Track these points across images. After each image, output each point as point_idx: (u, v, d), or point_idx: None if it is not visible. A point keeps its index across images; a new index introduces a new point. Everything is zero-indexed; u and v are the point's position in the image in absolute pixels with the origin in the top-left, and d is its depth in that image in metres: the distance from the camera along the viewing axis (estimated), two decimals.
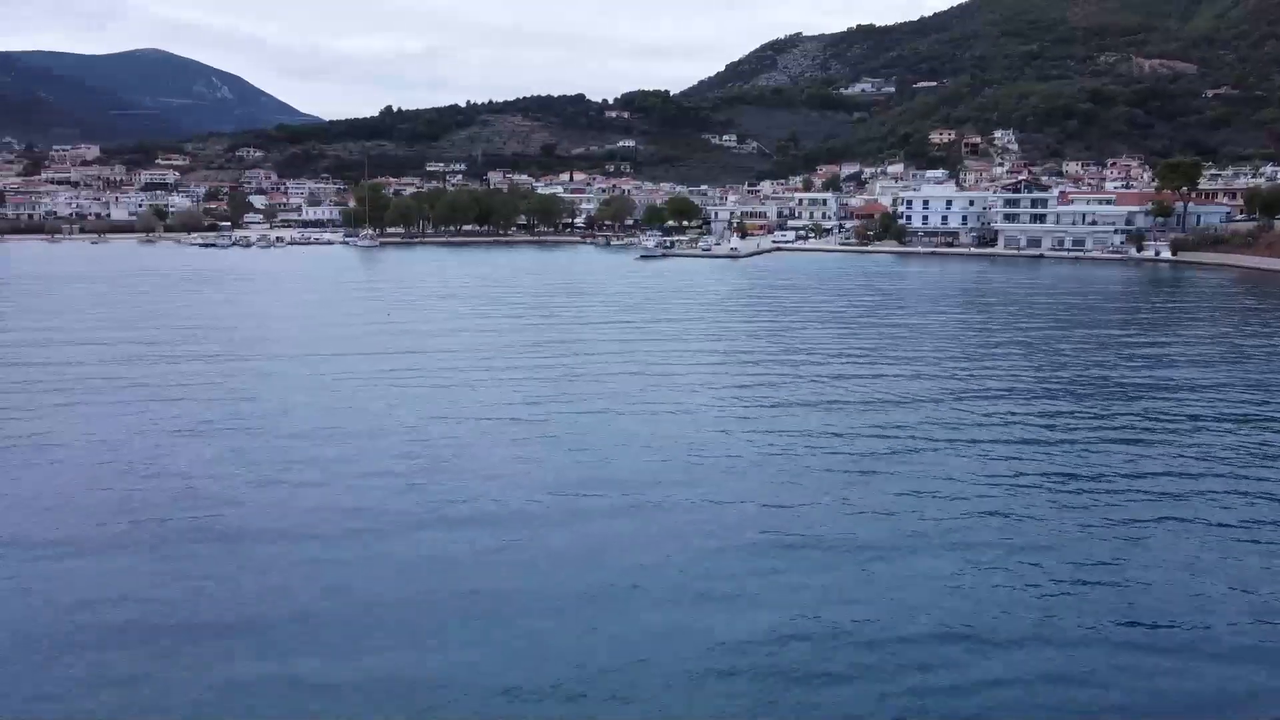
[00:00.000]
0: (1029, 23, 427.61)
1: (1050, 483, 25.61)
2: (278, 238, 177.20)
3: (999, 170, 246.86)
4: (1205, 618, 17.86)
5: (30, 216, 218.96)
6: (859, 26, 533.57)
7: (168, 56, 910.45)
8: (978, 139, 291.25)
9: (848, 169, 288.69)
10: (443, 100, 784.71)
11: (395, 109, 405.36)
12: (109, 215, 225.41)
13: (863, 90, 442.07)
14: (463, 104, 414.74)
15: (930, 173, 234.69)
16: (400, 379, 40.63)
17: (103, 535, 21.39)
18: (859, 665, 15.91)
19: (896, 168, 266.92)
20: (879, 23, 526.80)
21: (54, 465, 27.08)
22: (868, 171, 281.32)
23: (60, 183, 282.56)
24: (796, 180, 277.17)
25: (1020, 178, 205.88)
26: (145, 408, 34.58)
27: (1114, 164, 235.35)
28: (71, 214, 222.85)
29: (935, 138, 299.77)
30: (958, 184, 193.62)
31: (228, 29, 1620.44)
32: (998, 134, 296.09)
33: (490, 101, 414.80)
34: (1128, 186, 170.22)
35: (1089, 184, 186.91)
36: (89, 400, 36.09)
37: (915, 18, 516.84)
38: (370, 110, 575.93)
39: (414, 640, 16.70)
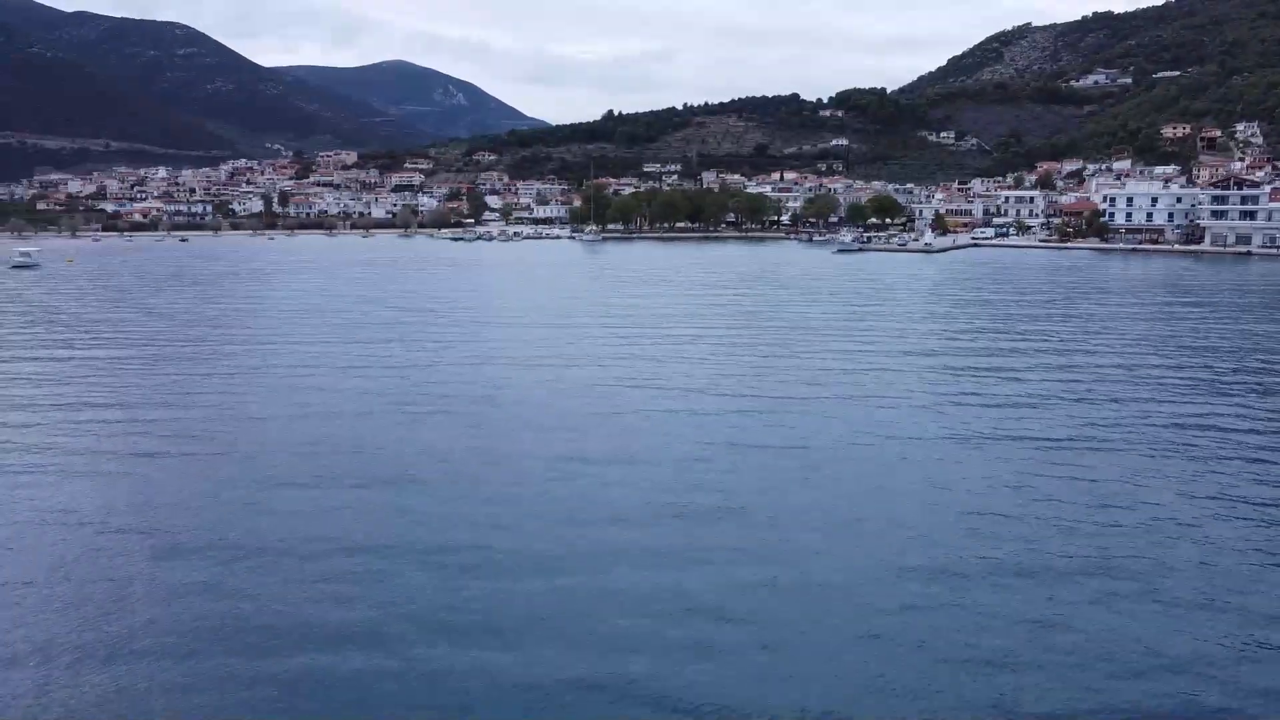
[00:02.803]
0: None
1: None
2: (515, 232, 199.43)
3: (1237, 165, 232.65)
4: None
5: (307, 215, 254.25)
6: (1095, 14, 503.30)
7: (409, 67, 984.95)
8: (1216, 132, 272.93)
9: (1070, 166, 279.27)
10: (660, 103, 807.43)
11: (615, 113, 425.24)
12: (370, 213, 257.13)
13: (1095, 82, 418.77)
14: (679, 106, 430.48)
15: (1159, 169, 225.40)
16: (637, 334, 53.17)
17: (415, 407, 34.84)
18: None
19: (1123, 164, 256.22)
20: (1117, 9, 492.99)
21: (387, 370, 41.65)
22: (1091, 168, 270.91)
23: (325, 185, 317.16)
24: (1019, 177, 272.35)
25: (1260, 172, 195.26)
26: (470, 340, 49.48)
27: None
28: (339, 212, 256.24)
29: (1168, 132, 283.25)
30: (1189, 180, 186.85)
31: (463, 39, 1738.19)
32: (1240, 126, 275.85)
33: (705, 104, 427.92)
34: None
35: None
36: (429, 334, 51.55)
37: (1159, 2, 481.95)
38: (591, 113, 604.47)
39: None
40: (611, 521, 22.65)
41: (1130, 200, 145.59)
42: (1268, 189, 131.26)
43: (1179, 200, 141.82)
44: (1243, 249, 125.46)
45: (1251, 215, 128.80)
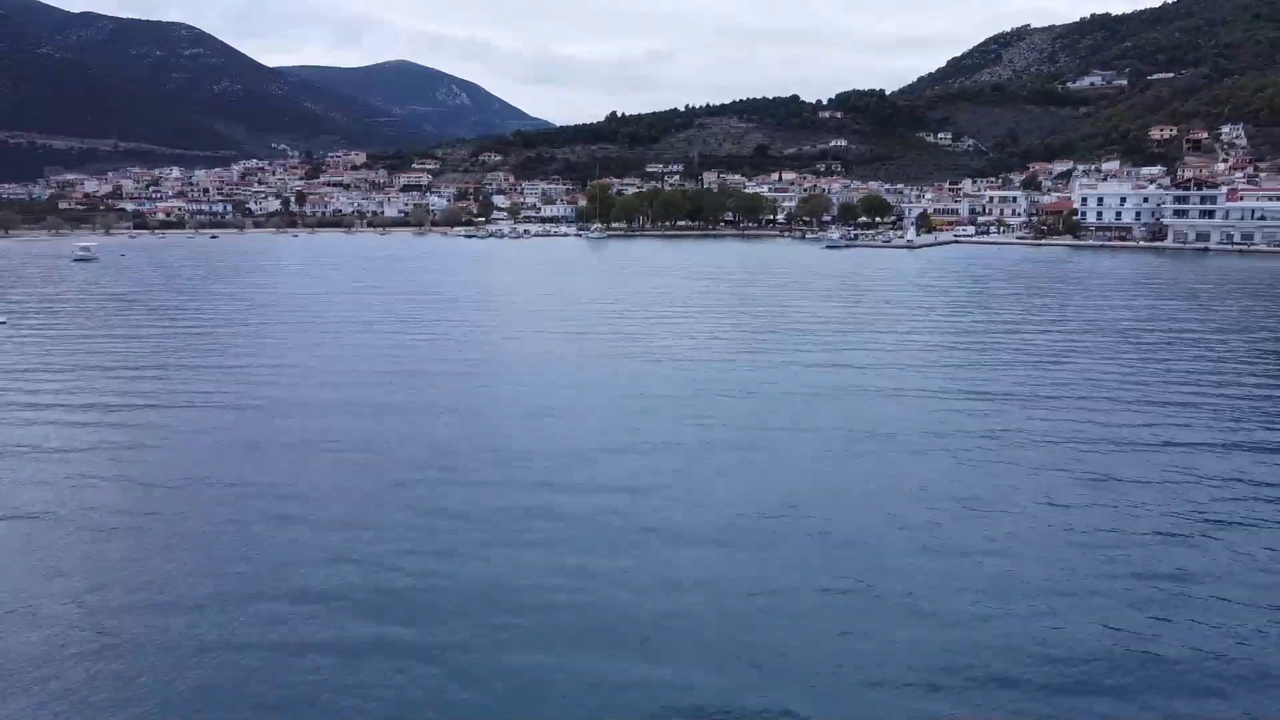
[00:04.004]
0: None
1: None
2: (524, 230, 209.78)
3: (1221, 167, 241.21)
4: None
5: (324, 214, 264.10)
6: (1093, 16, 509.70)
7: (413, 66, 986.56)
8: (1203, 134, 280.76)
9: (1061, 167, 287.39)
10: (661, 103, 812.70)
11: (619, 114, 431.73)
12: (383, 213, 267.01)
13: (1091, 84, 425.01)
14: (681, 108, 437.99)
15: (1145, 170, 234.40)
16: (644, 319, 62.06)
17: (467, 366, 44.53)
18: None
19: (1112, 165, 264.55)
20: (1115, 11, 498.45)
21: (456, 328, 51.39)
22: (1080, 169, 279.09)
23: (336, 185, 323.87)
24: (1006, 178, 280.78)
25: (1239, 174, 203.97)
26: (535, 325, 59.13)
27: None
28: (354, 212, 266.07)
29: (1155, 134, 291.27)
30: (1174, 181, 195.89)
31: (465, 39, 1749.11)
32: (1225, 128, 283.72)
33: (707, 105, 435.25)
34: None
35: None
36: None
37: (1156, 4, 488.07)
38: (593, 112, 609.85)
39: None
40: (622, 431, 31.51)
41: (1101, 200, 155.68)
42: (1225, 190, 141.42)
43: (1145, 200, 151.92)
44: (1201, 245, 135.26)
45: (1210, 214, 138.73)
